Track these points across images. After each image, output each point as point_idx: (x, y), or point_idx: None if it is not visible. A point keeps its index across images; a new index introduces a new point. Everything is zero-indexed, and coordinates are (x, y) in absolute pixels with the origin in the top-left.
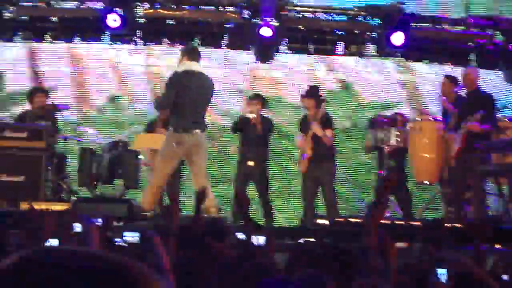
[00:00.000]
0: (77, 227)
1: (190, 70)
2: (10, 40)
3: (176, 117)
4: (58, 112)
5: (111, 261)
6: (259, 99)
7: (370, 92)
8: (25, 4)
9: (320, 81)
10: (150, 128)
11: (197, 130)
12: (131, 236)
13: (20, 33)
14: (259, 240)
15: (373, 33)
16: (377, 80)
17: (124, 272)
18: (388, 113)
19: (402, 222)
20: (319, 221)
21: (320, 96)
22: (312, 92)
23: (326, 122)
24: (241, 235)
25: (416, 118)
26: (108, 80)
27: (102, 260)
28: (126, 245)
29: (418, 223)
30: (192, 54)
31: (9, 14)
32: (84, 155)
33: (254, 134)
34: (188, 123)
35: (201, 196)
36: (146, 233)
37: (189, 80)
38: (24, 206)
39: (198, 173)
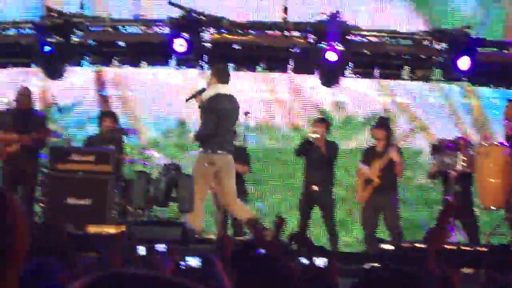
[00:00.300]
0: (141, 251)
1: (223, 93)
2: (78, 64)
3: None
4: (125, 136)
5: (178, 285)
6: (324, 122)
7: (433, 116)
8: (92, 29)
9: (383, 105)
10: None
11: (227, 152)
12: (193, 260)
13: (87, 57)
14: (320, 262)
15: (439, 57)
16: (441, 104)
17: None
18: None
19: (468, 248)
20: (384, 246)
21: (391, 127)
22: (383, 123)
23: (400, 151)
24: (304, 259)
25: (482, 143)
26: (175, 104)
27: (170, 285)
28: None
29: (484, 248)
30: (223, 76)
31: (77, 39)
32: (140, 178)
33: (318, 157)
34: (220, 145)
35: (279, 223)
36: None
37: (222, 103)
38: (91, 229)
39: (230, 193)
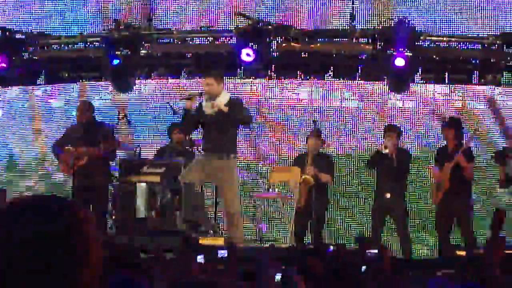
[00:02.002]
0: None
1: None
2: (147, 76)
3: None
4: (195, 147)
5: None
6: (394, 130)
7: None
8: (160, 41)
9: (459, 110)
10: (299, 161)
11: None
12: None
13: (156, 70)
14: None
15: (509, 61)
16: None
17: None
18: None
19: None
20: (459, 252)
21: (462, 127)
22: (453, 123)
23: (469, 154)
24: None
25: None
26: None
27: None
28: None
29: None
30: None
31: (145, 51)
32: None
33: (390, 167)
34: None
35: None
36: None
37: None
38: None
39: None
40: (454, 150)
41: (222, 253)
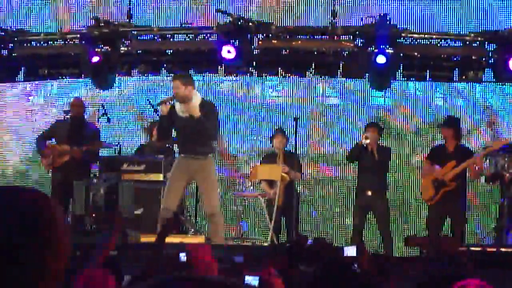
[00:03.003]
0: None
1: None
2: (127, 74)
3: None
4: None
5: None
6: (376, 127)
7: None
8: (140, 38)
9: (438, 109)
10: (269, 160)
11: None
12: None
13: (136, 67)
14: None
15: (490, 58)
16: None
17: None
18: None
19: None
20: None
21: (460, 126)
22: (451, 122)
23: (468, 154)
24: None
25: None
26: (227, 111)
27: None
28: None
29: None
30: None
31: (125, 48)
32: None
33: (371, 162)
34: None
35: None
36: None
37: None
38: (143, 238)
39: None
40: (455, 150)
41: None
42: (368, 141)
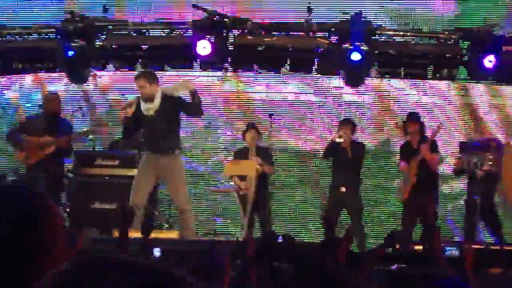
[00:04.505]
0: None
1: None
2: (102, 68)
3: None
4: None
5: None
6: (349, 124)
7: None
8: (115, 32)
9: (414, 105)
10: (241, 155)
11: None
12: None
13: (111, 61)
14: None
15: (464, 56)
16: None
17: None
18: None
19: (497, 248)
20: (416, 247)
21: (423, 121)
22: (417, 117)
23: (434, 146)
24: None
25: (510, 142)
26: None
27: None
28: None
29: None
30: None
31: (100, 43)
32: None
33: (345, 159)
34: None
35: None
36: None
37: None
38: (116, 234)
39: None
40: (419, 144)
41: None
42: (342, 139)
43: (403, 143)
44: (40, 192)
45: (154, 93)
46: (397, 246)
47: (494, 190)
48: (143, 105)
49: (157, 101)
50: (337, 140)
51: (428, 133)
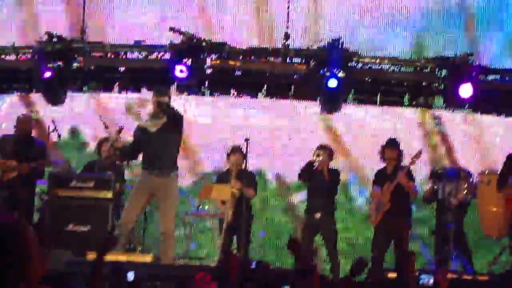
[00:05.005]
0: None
1: None
2: (79, 90)
3: None
4: (125, 162)
5: None
6: (326, 150)
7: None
8: (93, 54)
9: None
10: (223, 177)
11: None
12: None
13: (88, 83)
14: None
15: (440, 84)
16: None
17: None
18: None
19: (469, 277)
20: (390, 275)
21: (401, 148)
22: (395, 144)
23: (410, 174)
24: None
25: (485, 172)
26: None
27: None
28: None
29: (485, 277)
30: None
31: (77, 65)
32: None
33: (321, 184)
34: None
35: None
36: None
37: None
38: (90, 256)
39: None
40: (393, 170)
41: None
42: (319, 158)
43: (378, 170)
44: (13, 215)
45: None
46: (369, 274)
47: (463, 219)
48: (148, 122)
49: (163, 119)
50: (314, 158)
51: (407, 160)
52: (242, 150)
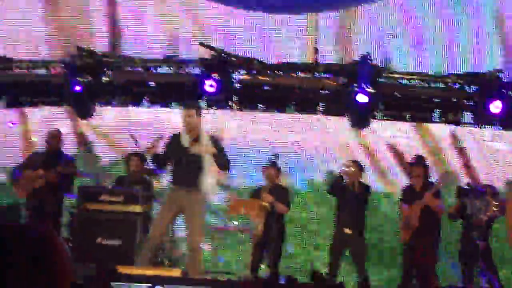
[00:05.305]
0: None
1: None
2: (108, 104)
3: None
4: (153, 176)
5: None
6: (356, 165)
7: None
8: (123, 68)
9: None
10: (257, 192)
11: None
12: None
13: (117, 97)
14: None
15: (470, 101)
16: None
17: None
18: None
19: None
20: None
21: (428, 165)
22: (422, 161)
23: (437, 192)
24: None
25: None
26: None
27: None
28: None
29: None
30: None
31: (106, 78)
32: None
33: (351, 198)
34: None
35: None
36: None
37: None
38: (120, 270)
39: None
40: (422, 188)
41: None
42: (349, 169)
43: (406, 185)
44: (48, 228)
45: (198, 126)
46: None
47: (490, 235)
48: (185, 137)
49: (205, 144)
50: (345, 169)
51: (435, 179)
52: (277, 165)
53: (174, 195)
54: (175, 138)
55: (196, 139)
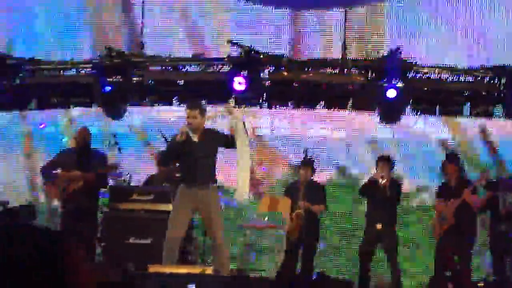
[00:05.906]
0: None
1: None
2: (138, 104)
3: None
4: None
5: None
6: (387, 161)
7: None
8: (152, 68)
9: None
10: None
11: None
12: None
13: (147, 97)
14: None
15: (500, 93)
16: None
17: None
18: None
19: None
20: None
21: (462, 161)
22: (454, 158)
23: (475, 189)
24: None
25: None
26: None
27: None
28: None
29: None
30: None
31: (136, 78)
32: None
33: (382, 196)
34: None
35: None
36: None
37: None
38: (152, 268)
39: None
40: (458, 185)
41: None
42: (384, 181)
43: (442, 182)
44: (62, 232)
45: (201, 127)
46: None
47: None
48: (191, 135)
49: (200, 133)
50: (380, 180)
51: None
52: (312, 163)
53: (186, 194)
54: (186, 137)
55: (199, 139)
